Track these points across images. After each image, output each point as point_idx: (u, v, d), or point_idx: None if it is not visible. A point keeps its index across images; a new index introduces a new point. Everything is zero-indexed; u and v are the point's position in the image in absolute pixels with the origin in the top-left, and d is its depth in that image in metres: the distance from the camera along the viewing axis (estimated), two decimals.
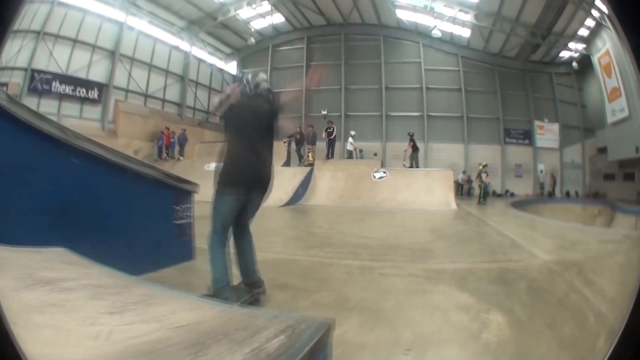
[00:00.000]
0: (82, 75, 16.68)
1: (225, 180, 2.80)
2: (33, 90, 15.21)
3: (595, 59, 18.93)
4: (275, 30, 23.01)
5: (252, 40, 22.44)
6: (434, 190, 12.81)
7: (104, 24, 17.55)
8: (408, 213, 10.51)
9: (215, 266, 2.71)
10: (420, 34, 22.11)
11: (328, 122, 14.94)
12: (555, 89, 23.20)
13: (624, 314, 1.01)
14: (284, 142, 15.04)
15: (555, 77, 23.32)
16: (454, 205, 12.22)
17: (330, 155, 14.69)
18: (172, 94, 21.12)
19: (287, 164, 14.67)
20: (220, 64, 23.76)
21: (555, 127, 23.34)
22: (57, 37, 15.82)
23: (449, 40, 22.23)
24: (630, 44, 0.95)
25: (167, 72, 20.83)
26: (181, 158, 16.78)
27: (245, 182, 2.84)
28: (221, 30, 22.38)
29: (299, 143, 15.12)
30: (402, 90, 22.10)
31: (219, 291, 2.67)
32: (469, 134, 21.82)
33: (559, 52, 22.48)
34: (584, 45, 19.87)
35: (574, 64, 21.89)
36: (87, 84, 16.86)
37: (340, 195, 13.00)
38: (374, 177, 13.52)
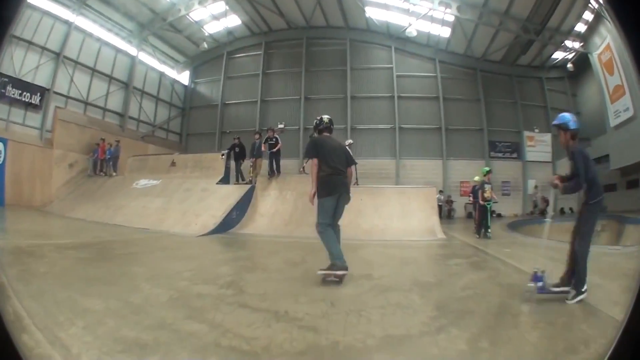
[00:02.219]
0: (29, 78, 14.35)
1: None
2: None
3: (594, 56, 16.57)
4: (231, 35, 19.79)
5: (205, 45, 19.31)
6: (411, 213, 9.53)
7: (56, 25, 15.20)
8: (376, 247, 7.17)
9: (333, 245, 3.97)
10: (392, 36, 18.78)
11: (269, 130, 11.64)
12: (547, 96, 20.00)
13: (624, 314, 1.01)
14: (222, 155, 12.06)
15: (547, 82, 20.24)
16: (440, 233, 8.98)
17: (274, 171, 11.31)
18: (115, 102, 18.02)
19: (224, 181, 11.52)
20: (171, 72, 20.51)
21: (547, 137, 20.19)
22: (19, 39, 13.78)
23: (426, 43, 18.95)
24: (628, 38, 0.96)
25: (110, 78, 17.77)
26: (114, 174, 14.14)
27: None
28: (172, 35, 19.23)
29: (240, 157, 12.01)
30: (371, 99, 18.71)
31: (338, 262, 3.88)
32: (448, 148, 18.38)
33: (552, 54, 19.79)
34: (580, 43, 16.83)
35: (569, 65, 18.89)
36: (31, 88, 14.39)
37: (286, 222, 9.73)
38: None
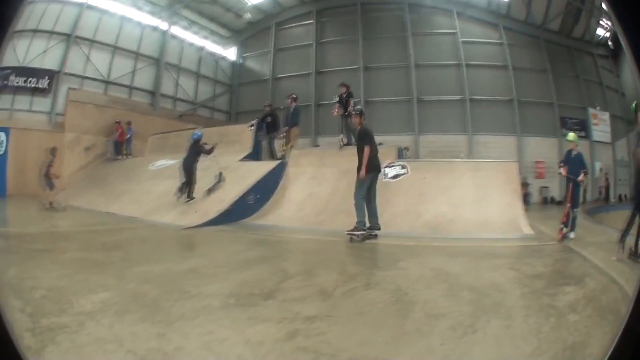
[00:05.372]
0: (36, 64, 12.42)
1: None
2: None
3: None
4: (277, 5, 16.63)
5: (248, 15, 16.23)
6: (489, 198, 6.60)
7: (64, 9, 13.03)
8: (436, 257, 4.33)
9: (360, 212, 5.22)
10: None
11: (341, 86, 8.40)
12: (600, 72, 16.97)
13: (624, 314, 0.92)
14: (250, 127, 9.31)
15: (598, 59, 17.30)
16: (527, 227, 6.10)
17: (346, 141, 8.15)
18: (144, 80, 15.20)
19: (251, 157, 8.85)
20: (213, 47, 17.48)
21: (606, 116, 17.33)
22: (22, 31, 11.98)
23: (487, 7, 15.91)
24: (628, 38, 0.87)
25: (137, 55, 15.01)
26: (129, 156, 12.16)
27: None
28: (208, 7, 16.06)
29: (272, 129, 9.22)
30: (437, 67, 15.71)
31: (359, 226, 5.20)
32: (521, 122, 15.27)
33: (596, 29, 17.03)
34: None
35: (610, 43, 16.55)
36: (38, 73, 12.44)
37: (321, 209, 7.02)
38: (385, 175, 7.02)
